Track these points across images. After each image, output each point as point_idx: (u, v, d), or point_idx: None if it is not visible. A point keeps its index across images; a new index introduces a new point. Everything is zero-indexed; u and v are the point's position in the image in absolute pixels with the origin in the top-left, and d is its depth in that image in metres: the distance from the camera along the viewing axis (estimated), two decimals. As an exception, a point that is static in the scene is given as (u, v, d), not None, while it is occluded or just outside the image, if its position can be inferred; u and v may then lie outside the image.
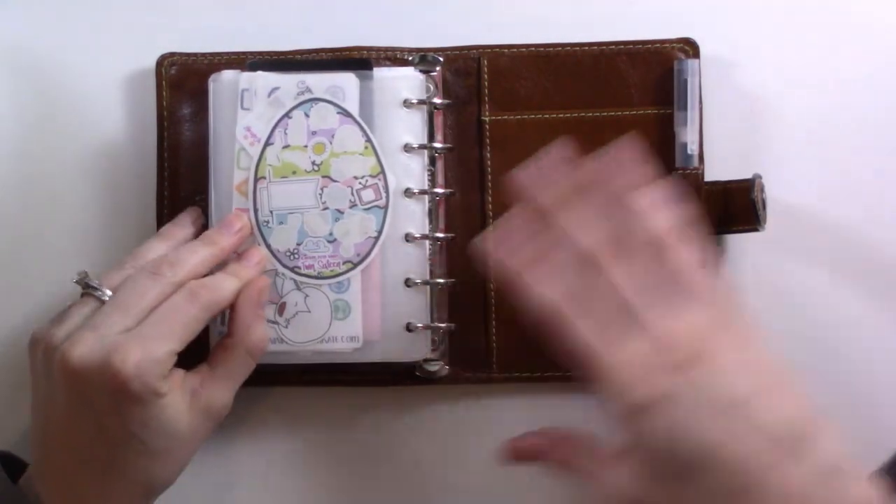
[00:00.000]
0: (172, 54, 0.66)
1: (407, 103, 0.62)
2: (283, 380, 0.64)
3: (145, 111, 0.66)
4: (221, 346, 0.57)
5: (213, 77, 0.62)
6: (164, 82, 0.66)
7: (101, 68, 0.68)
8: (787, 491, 0.45)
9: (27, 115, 0.68)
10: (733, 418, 0.46)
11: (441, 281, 0.63)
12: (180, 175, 0.65)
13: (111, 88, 0.68)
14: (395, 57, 0.65)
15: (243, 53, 0.65)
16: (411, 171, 0.62)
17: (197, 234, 0.61)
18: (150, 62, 0.66)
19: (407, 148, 0.62)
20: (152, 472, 0.55)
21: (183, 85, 0.66)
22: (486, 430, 0.65)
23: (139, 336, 0.53)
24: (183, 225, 0.62)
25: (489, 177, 0.65)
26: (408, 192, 0.62)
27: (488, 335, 0.64)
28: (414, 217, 0.62)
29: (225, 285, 0.57)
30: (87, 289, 0.57)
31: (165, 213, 0.65)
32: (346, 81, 0.61)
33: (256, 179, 0.60)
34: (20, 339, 0.65)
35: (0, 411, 0.66)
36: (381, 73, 0.62)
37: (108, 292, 0.56)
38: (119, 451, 0.54)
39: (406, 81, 0.63)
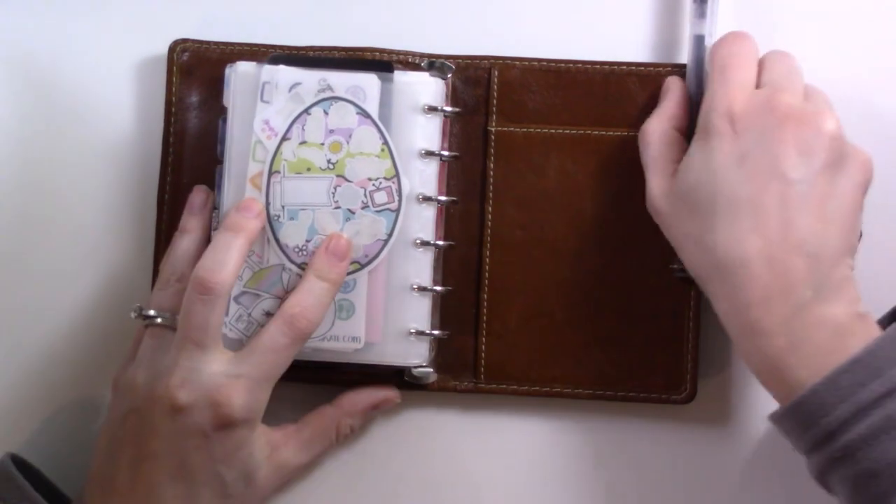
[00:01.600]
0: (185, 41, 0.64)
1: (426, 109, 0.61)
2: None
3: (154, 98, 0.65)
4: (319, 413, 0.59)
5: (231, 67, 0.61)
6: (174, 68, 0.64)
7: (111, 54, 0.66)
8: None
9: (36, 98, 0.66)
10: (778, 193, 0.52)
11: (441, 288, 0.62)
12: (184, 161, 0.64)
13: (121, 74, 0.66)
14: (407, 61, 0.64)
15: (256, 45, 0.64)
16: (425, 177, 0.61)
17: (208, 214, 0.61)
18: (161, 49, 0.64)
19: (423, 153, 0.61)
20: None
21: (194, 72, 0.64)
22: (470, 439, 0.65)
23: (243, 378, 0.54)
24: (197, 211, 0.61)
25: (491, 187, 0.64)
26: (420, 198, 0.61)
27: (478, 345, 0.64)
28: (424, 223, 0.61)
29: (318, 310, 0.57)
30: (147, 320, 0.57)
31: (167, 198, 0.64)
32: (368, 82, 0.60)
33: (271, 173, 0.59)
34: (26, 330, 0.65)
35: (2, 413, 0.65)
36: (402, 77, 0.61)
37: (167, 315, 0.57)
38: (197, 490, 0.54)
39: (427, 87, 0.62)
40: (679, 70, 0.64)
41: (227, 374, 0.54)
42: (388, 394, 0.61)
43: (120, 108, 0.66)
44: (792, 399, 0.49)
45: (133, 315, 0.58)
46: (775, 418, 0.52)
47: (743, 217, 0.51)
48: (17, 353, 0.65)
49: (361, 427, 0.62)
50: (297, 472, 0.59)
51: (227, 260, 0.55)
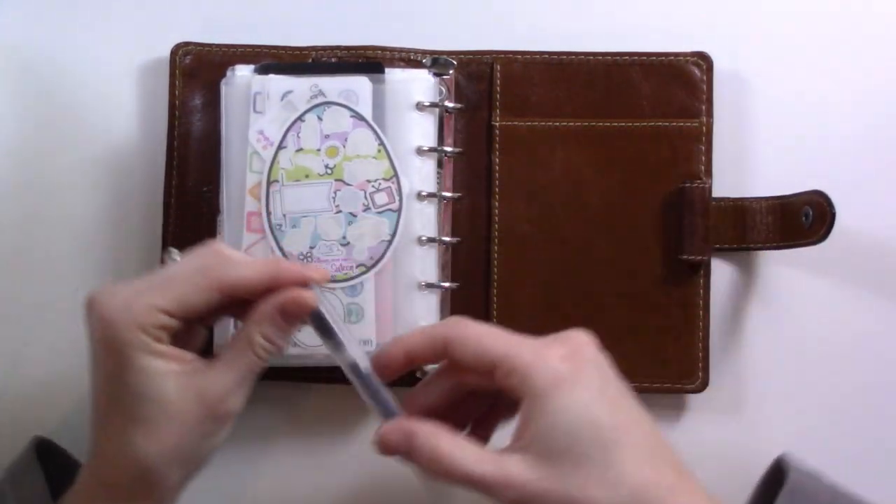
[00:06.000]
0: (187, 44, 0.62)
1: (419, 106, 0.58)
2: (281, 374, 0.60)
3: (157, 101, 0.62)
4: (235, 333, 0.50)
5: (224, 80, 0.58)
6: (177, 71, 0.61)
7: (113, 58, 0.64)
8: None
9: (39, 103, 0.64)
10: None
11: (448, 284, 0.59)
12: (189, 164, 0.61)
13: (123, 77, 0.63)
14: (408, 58, 0.61)
15: (258, 47, 0.61)
16: (424, 175, 0.58)
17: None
18: (164, 52, 0.62)
19: (419, 151, 0.58)
20: (135, 445, 0.47)
21: (196, 75, 0.61)
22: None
23: (132, 289, 0.47)
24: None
25: (497, 182, 0.61)
26: (420, 196, 0.58)
27: (490, 339, 0.61)
28: (427, 220, 0.58)
29: (247, 264, 0.48)
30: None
31: (172, 201, 0.61)
32: (360, 85, 0.57)
33: (269, 183, 0.56)
34: (27, 332, 0.63)
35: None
36: (394, 76, 0.58)
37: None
38: (106, 409, 0.48)
39: (418, 84, 0.59)
40: (680, 59, 0.60)
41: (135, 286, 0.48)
42: (296, 293, 0.48)
43: (123, 112, 0.63)
44: None
45: (164, 254, 0.51)
46: None
47: (634, 437, 0.46)
48: (20, 357, 0.63)
49: (282, 338, 0.49)
50: (225, 399, 0.48)
51: (240, 258, 0.49)
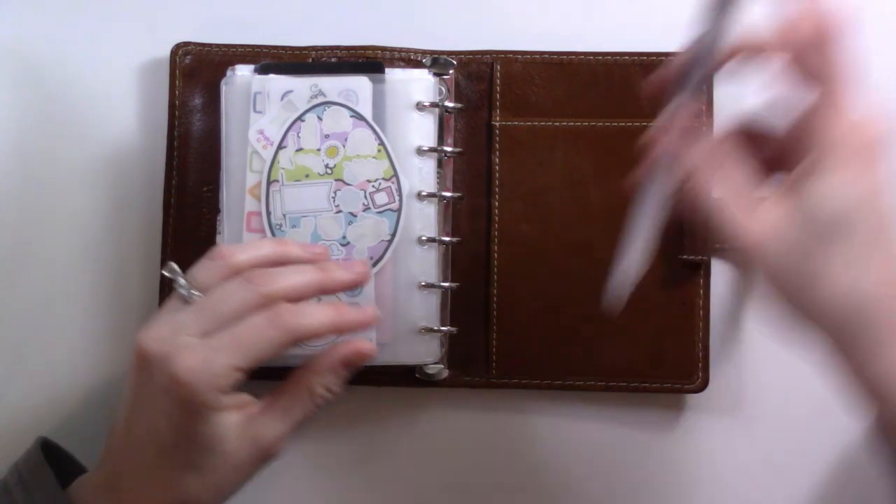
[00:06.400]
0: (187, 44, 0.61)
1: (419, 106, 0.58)
2: (283, 374, 0.60)
3: (156, 101, 0.62)
4: (292, 379, 0.52)
5: (225, 79, 0.58)
6: (177, 71, 0.61)
7: (113, 58, 0.63)
8: None
9: (38, 103, 0.63)
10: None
11: (448, 284, 0.59)
12: (189, 165, 0.61)
13: (123, 77, 0.63)
14: (408, 58, 0.61)
15: (258, 47, 0.61)
16: (424, 174, 0.58)
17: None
18: (164, 52, 0.61)
19: (419, 151, 0.58)
20: (187, 487, 0.49)
21: (196, 75, 0.61)
22: (483, 434, 0.62)
23: (206, 345, 0.48)
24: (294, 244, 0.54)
25: (497, 182, 0.60)
26: (420, 196, 0.58)
27: (489, 340, 0.60)
28: (427, 220, 0.58)
29: (315, 315, 0.50)
30: (174, 285, 0.51)
31: (172, 201, 0.61)
32: (360, 85, 0.57)
33: (269, 183, 0.56)
34: (28, 331, 0.63)
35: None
36: (394, 76, 0.58)
37: (183, 283, 0.50)
38: (162, 455, 0.49)
39: (418, 84, 0.58)
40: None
41: (196, 338, 0.48)
42: (359, 345, 0.52)
43: (123, 112, 0.63)
44: None
45: (165, 273, 0.51)
46: None
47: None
48: (20, 358, 0.63)
49: (339, 386, 0.52)
50: (278, 444, 0.51)
51: (286, 277, 0.50)
